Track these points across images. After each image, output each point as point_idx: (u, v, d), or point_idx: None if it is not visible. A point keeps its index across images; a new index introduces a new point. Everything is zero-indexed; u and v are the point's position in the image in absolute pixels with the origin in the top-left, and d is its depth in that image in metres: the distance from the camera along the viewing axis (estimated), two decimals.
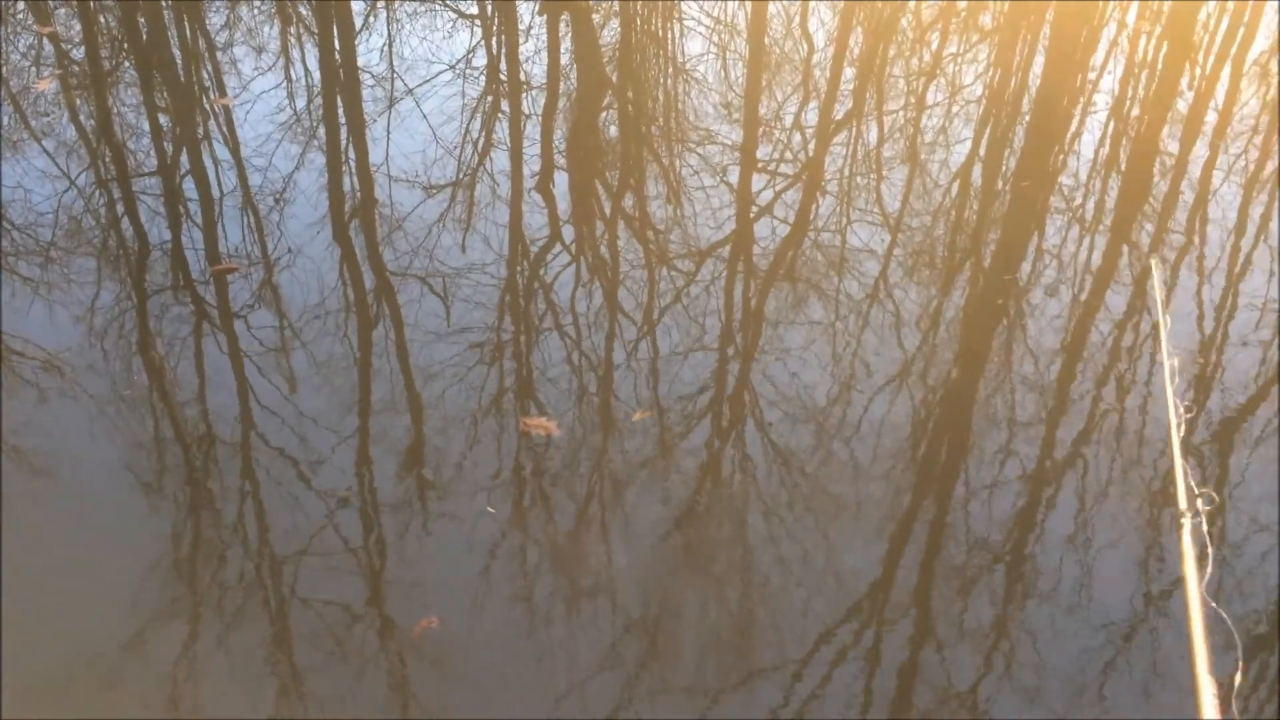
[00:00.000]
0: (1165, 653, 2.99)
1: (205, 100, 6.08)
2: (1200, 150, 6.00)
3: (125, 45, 6.69)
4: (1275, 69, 7.04)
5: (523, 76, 6.69)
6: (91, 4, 7.01)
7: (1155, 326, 2.92)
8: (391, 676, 2.87)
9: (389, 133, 5.79)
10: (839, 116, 6.39)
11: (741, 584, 3.20)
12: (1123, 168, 5.92)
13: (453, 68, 6.65)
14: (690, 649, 3.00)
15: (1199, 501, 2.78)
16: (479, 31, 7.37)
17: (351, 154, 5.65)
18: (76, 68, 6.37)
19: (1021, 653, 3.03)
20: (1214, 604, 2.80)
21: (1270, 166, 5.89)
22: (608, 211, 5.36)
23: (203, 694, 2.77)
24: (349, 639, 2.95)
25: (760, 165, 5.78)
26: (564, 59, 6.99)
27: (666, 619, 3.07)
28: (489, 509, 3.35)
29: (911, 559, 3.31)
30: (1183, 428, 2.78)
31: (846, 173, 5.77)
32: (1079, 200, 5.52)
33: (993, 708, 2.87)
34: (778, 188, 5.57)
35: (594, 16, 7.38)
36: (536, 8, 7.56)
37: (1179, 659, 2.94)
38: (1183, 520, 2.60)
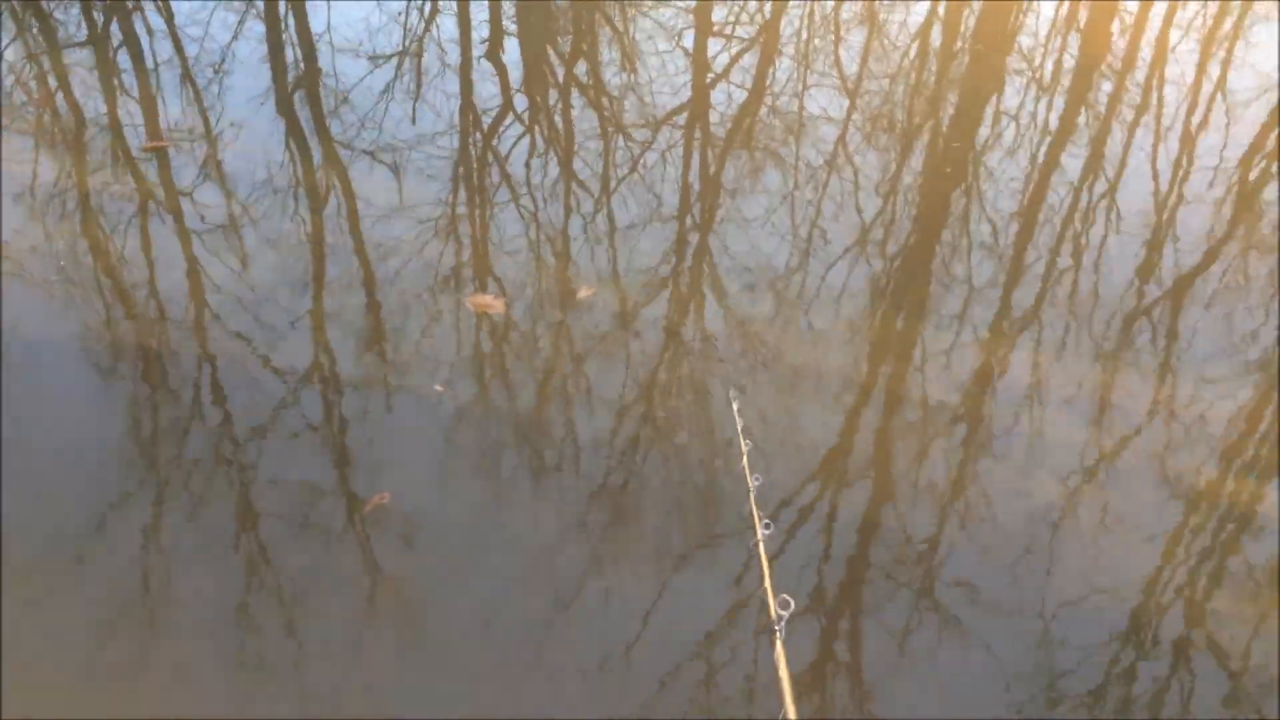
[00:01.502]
0: None
1: None
2: (1159, 7, 5.93)
3: None
4: None
5: None
6: None
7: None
8: (349, 551, 2.89)
9: None
10: None
11: (699, 452, 3.23)
12: (1081, 26, 5.84)
13: None
14: (648, 518, 3.04)
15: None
16: None
17: (291, 22, 5.44)
18: None
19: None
20: None
21: (1228, 24, 5.83)
22: (560, 79, 5.22)
23: (165, 569, 2.78)
24: (304, 515, 2.96)
25: (716, 29, 5.64)
26: None
27: (620, 489, 3.10)
28: (437, 387, 3.33)
29: (869, 424, 3.36)
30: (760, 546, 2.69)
31: (804, 36, 5.65)
32: (1038, 61, 5.46)
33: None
34: (734, 51, 5.45)
35: None
36: None
37: None
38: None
